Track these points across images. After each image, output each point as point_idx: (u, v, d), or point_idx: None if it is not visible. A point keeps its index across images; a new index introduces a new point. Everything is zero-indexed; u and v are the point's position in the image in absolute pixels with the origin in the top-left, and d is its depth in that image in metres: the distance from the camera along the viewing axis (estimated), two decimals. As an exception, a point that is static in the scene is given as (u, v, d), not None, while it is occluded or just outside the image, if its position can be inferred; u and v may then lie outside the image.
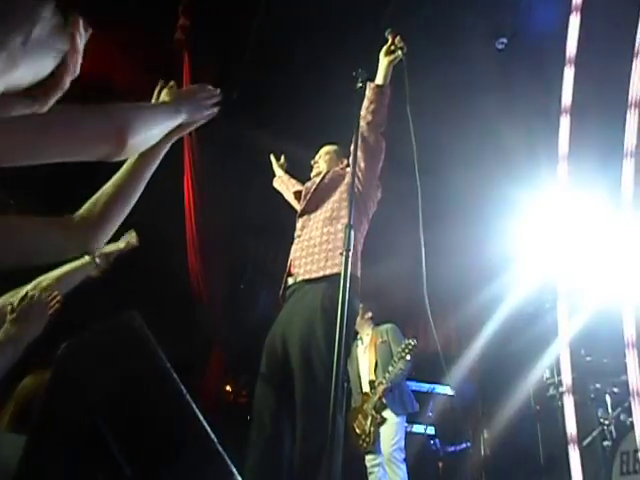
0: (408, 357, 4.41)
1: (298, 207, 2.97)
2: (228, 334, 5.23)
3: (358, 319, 4.60)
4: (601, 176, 3.65)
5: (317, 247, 2.59)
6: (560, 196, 2.90)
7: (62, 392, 1.02)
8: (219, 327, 5.19)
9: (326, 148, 3.11)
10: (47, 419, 1.01)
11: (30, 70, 0.74)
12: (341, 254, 1.92)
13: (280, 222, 3.52)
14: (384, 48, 2.59)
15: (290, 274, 2.66)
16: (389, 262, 5.31)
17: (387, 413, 4.41)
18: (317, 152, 3.14)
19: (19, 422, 1.85)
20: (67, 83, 0.88)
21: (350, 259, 1.92)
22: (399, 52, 2.51)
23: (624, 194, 2.55)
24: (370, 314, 4.75)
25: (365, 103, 2.63)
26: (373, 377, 4.51)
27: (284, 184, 3.35)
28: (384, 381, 4.38)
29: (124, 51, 4.42)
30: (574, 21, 2.82)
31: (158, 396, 0.96)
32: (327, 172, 2.92)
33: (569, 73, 2.80)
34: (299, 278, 2.58)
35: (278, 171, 3.46)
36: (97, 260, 2.15)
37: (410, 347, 4.40)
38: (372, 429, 4.36)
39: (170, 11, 4.32)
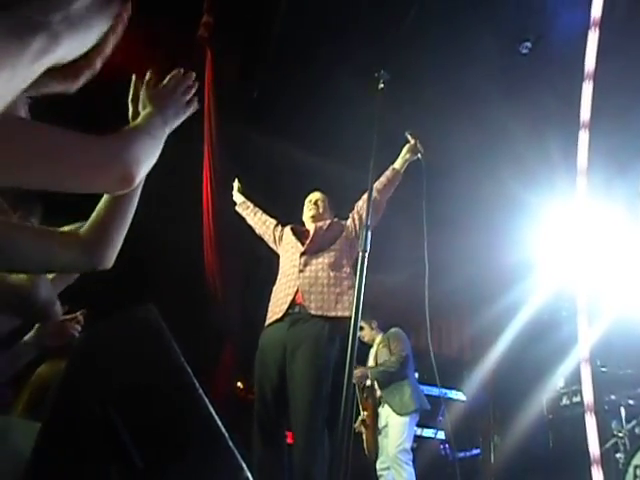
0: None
1: (271, 242, 3.46)
2: (240, 332, 5.24)
3: (368, 331, 4.84)
4: (620, 185, 3.61)
5: (326, 288, 2.99)
6: (579, 205, 2.87)
7: (76, 382, 1.03)
8: (232, 325, 5.21)
9: (321, 195, 3.47)
10: (61, 409, 1.02)
11: (72, 48, 0.74)
12: (357, 259, 2.12)
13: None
14: (408, 146, 3.15)
15: (297, 302, 2.99)
16: (396, 267, 5.30)
17: (390, 412, 4.40)
18: (310, 194, 3.47)
19: (33, 410, 1.88)
20: (98, 64, 0.87)
21: (365, 262, 2.06)
22: (419, 155, 3.09)
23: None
24: (375, 323, 4.83)
25: (383, 179, 3.16)
26: None
27: (253, 213, 3.59)
28: (367, 372, 4.48)
29: (147, 47, 4.44)
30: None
31: (171, 389, 0.97)
32: (331, 221, 3.32)
33: (587, 88, 2.77)
34: (311, 311, 2.93)
35: (239, 197, 3.66)
36: None
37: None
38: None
39: (194, 8, 4.34)
